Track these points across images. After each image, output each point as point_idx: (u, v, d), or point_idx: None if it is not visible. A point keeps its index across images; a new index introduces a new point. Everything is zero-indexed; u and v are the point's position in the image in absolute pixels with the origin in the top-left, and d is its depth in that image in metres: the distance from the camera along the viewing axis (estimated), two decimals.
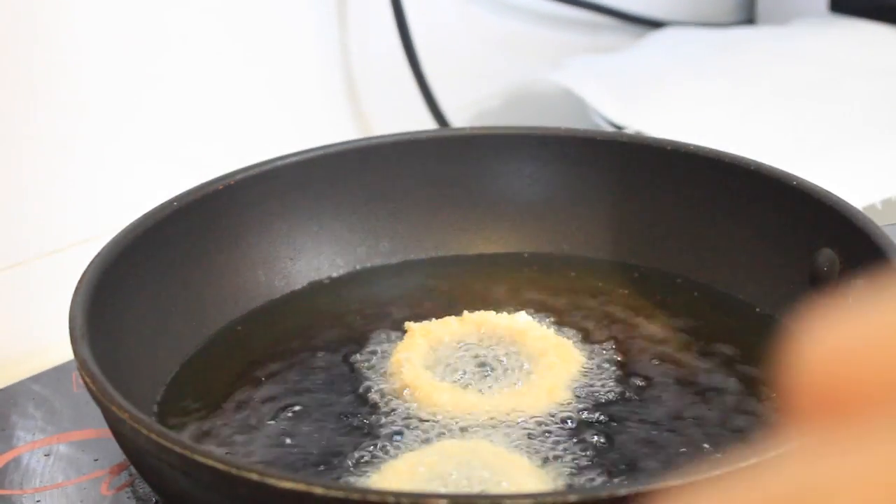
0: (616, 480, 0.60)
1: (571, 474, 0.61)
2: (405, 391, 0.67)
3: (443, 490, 0.58)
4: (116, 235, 0.70)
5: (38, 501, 0.66)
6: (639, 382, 0.68)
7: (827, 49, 1.10)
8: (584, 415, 0.66)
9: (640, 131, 0.96)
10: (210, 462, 0.53)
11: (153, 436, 0.55)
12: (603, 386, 0.68)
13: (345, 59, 1.03)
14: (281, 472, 0.59)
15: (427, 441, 0.64)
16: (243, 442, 0.65)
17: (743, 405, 0.67)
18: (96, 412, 0.60)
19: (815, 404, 0.22)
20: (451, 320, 0.73)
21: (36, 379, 0.76)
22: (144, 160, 0.91)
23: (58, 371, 0.76)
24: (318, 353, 0.72)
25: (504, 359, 0.70)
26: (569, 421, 0.65)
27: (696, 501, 0.22)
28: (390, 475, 0.60)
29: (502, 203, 0.83)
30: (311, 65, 1.02)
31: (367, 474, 0.61)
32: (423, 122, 1.05)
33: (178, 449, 0.54)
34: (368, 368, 0.70)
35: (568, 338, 0.72)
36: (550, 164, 0.82)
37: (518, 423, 0.65)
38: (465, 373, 0.69)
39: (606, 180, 0.81)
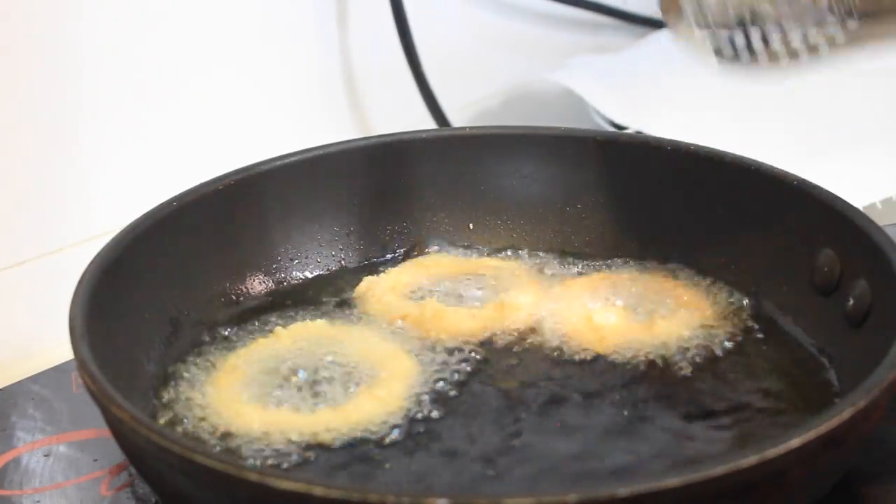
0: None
1: None
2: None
3: None
4: (116, 235, 0.70)
5: (37, 502, 0.66)
6: (632, 377, 0.69)
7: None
8: None
9: (640, 131, 0.96)
10: (210, 462, 0.53)
11: (153, 436, 0.55)
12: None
13: (345, 59, 1.03)
14: (281, 472, 0.59)
15: None
16: None
17: (739, 405, 0.67)
18: (96, 412, 0.60)
19: None
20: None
21: (35, 379, 0.76)
22: (144, 160, 0.90)
23: (57, 371, 0.76)
24: None
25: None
26: None
27: None
28: None
29: (502, 203, 0.83)
30: (311, 65, 1.01)
31: None
32: (423, 122, 1.05)
33: (178, 449, 0.54)
34: None
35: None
36: (550, 164, 0.82)
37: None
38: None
39: (606, 180, 0.81)
